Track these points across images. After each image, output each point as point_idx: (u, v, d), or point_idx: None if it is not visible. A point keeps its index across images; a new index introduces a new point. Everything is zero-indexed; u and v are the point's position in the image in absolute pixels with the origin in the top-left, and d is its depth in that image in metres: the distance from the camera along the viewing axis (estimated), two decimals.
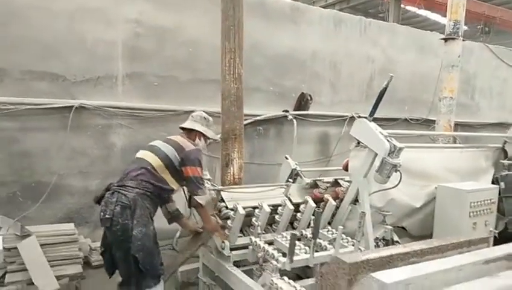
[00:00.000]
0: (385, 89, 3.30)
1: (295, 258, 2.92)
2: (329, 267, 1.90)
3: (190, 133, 3.38)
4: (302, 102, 6.28)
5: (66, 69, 4.72)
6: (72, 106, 4.67)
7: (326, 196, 3.88)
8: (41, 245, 4.10)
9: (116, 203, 2.84)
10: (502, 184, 4.13)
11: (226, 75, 4.04)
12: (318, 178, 4.33)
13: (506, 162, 4.61)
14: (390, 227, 3.68)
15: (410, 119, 7.54)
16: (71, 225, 4.46)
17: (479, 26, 13.99)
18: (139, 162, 3.11)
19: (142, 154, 3.17)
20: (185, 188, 3.35)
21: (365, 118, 3.42)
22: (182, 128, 3.42)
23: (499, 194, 4.15)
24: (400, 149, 3.17)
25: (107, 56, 4.91)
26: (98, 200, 3.01)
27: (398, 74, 7.49)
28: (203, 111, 3.57)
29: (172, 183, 3.12)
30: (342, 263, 1.81)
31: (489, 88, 9.26)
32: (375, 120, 6.59)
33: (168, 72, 5.27)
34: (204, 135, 3.41)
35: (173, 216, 3.45)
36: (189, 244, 3.59)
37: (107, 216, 2.85)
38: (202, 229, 3.43)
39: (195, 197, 3.13)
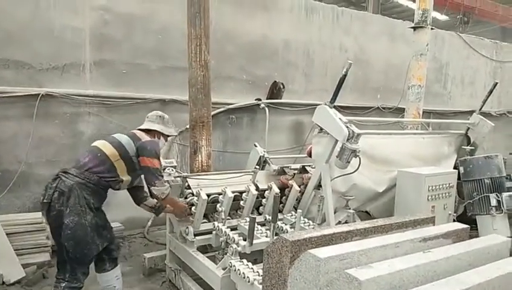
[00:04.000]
0: (344, 75, 3.35)
1: (255, 241, 2.98)
2: (274, 246, 1.97)
3: (149, 132, 3.30)
4: (275, 90, 6.32)
5: (32, 57, 4.65)
6: (38, 94, 4.61)
7: (291, 181, 3.95)
8: (9, 234, 4.08)
9: (55, 189, 2.82)
10: (461, 169, 4.26)
11: (192, 62, 4.05)
12: (286, 165, 4.41)
13: (468, 147, 4.75)
14: (352, 211, 3.77)
15: (383, 107, 7.68)
16: (39, 214, 4.43)
17: (458, 16, 14.21)
18: (90, 150, 3.07)
19: (97, 142, 3.12)
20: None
21: (326, 104, 3.46)
22: (140, 130, 3.34)
23: (459, 178, 4.29)
24: (358, 135, 3.24)
25: (74, 43, 4.85)
26: None
27: (371, 63, 7.63)
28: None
29: (123, 174, 3.06)
30: (284, 241, 1.88)
31: (461, 77, 9.46)
32: (348, 109, 6.73)
33: (137, 59, 5.23)
34: (162, 133, 3.36)
35: (157, 210, 3.48)
36: None
37: (45, 201, 2.85)
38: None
39: (152, 188, 3.07)
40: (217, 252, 3.38)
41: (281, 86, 6.34)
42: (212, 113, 4.62)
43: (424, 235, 2.06)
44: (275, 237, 2.94)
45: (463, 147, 4.85)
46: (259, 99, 6.22)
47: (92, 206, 2.90)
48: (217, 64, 5.44)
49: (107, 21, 5.01)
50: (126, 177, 3.10)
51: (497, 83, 4.84)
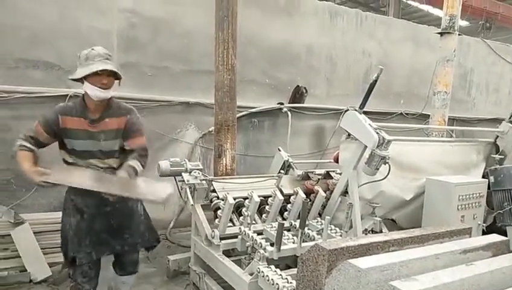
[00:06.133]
0: (375, 81, 3.31)
1: (282, 247, 2.96)
2: (310, 254, 1.94)
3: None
4: (297, 95, 6.30)
5: (61, 58, 4.73)
6: (67, 95, 4.68)
7: (317, 187, 3.92)
8: (35, 233, 4.15)
9: None
10: (492, 178, 4.16)
11: (219, 65, 4.06)
12: (310, 170, 4.38)
13: (497, 156, 4.63)
14: (379, 219, 3.71)
15: (406, 113, 7.56)
16: None
17: (480, 22, 13.95)
18: None
19: None
20: None
21: (355, 110, 3.42)
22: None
23: (489, 188, 4.19)
24: (389, 141, 3.20)
25: (102, 45, 4.89)
26: None
27: (394, 68, 7.53)
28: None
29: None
30: (321, 249, 1.85)
31: (486, 84, 9.26)
32: (370, 114, 6.65)
33: (162, 62, 5.28)
34: (80, 79, 2.62)
35: None
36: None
37: None
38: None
39: None
40: (243, 257, 3.36)
41: (304, 91, 6.32)
42: None
43: (464, 247, 2.00)
44: (311, 244, 2.91)
45: (492, 155, 4.74)
46: (282, 103, 6.21)
47: (79, 207, 2.74)
48: (241, 68, 5.42)
49: (133, 24, 5.07)
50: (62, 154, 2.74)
51: None
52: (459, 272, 1.66)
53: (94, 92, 2.59)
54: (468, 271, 1.68)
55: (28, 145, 2.61)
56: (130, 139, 2.78)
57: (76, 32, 4.77)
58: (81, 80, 2.62)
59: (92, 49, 2.66)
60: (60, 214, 4.35)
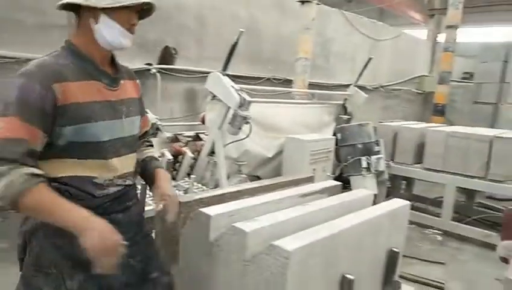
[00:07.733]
0: (235, 43, 3.44)
1: (147, 207, 2.98)
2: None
3: (77, 20, 1.62)
4: (167, 55, 6.14)
5: None
6: None
7: (185, 148, 3.99)
8: None
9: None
10: (339, 135, 4.78)
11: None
12: (179, 132, 4.41)
13: (344, 116, 5.32)
14: (244, 176, 3.98)
15: (274, 78, 8.01)
16: None
17: None
18: None
19: None
20: None
21: (219, 72, 3.53)
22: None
23: (337, 144, 4.80)
24: (249, 102, 3.40)
25: None
26: None
27: (262, 34, 7.84)
28: None
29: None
30: None
31: (343, 53, 10.29)
32: (241, 78, 6.86)
33: (11, 14, 4.59)
34: (93, 8, 1.45)
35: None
36: None
37: None
38: None
39: None
40: None
41: (173, 52, 6.18)
42: None
43: (303, 191, 2.31)
44: None
45: (340, 115, 5.40)
46: (150, 64, 5.99)
47: (76, 259, 1.42)
48: None
49: None
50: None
51: (371, 58, 5.44)
52: (294, 211, 1.92)
53: (118, 37, 1.51)
54: (302, 210, 1.95)
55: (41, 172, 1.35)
56: (143, 116, 1.85)
57: None
58: (90, 13, 1.49)
59: None
60: None
